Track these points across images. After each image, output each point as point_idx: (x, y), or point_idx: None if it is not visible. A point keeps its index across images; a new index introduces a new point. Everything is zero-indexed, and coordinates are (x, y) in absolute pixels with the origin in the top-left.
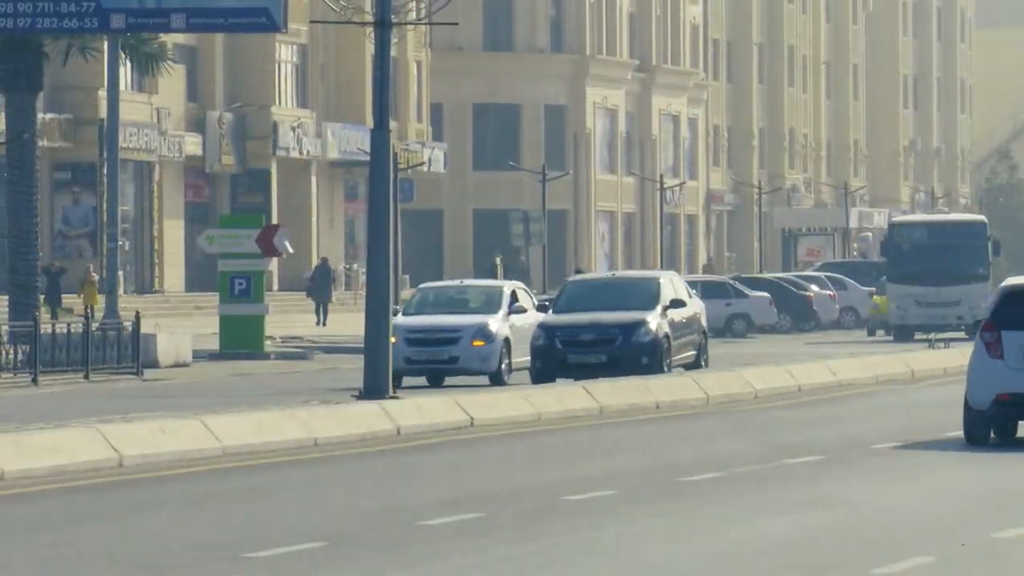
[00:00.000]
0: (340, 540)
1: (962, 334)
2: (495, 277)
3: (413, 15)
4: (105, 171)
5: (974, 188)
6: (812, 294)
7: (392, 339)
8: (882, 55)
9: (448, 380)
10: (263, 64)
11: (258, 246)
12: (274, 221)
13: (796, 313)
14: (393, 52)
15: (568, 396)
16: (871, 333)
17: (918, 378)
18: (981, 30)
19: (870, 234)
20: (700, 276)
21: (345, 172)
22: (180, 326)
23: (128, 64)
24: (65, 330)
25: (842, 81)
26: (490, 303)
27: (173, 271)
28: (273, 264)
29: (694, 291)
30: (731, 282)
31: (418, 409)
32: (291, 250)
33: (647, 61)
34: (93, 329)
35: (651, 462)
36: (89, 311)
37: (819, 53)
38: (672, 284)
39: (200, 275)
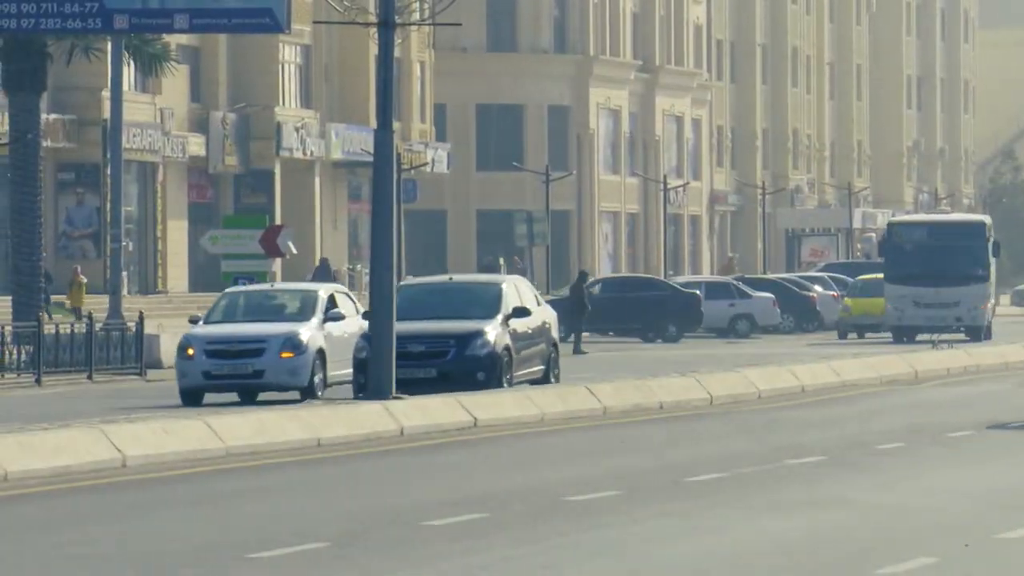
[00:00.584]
0: (344, 540)
1: (962, 335)
2: None
3: (417, 16)
4: (109, 172)
5: (978, 189)
6: (816, 295)
7: (188, 351)
8: (885, 55)
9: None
10: (267, 65)
11: (261, 247)
12: (277, 222)
13: (800, 314)
14: (397, 53)
15: (571, 396)
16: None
17: (922, 379)
18: (985, 30)
19: (873, 235)
20: (704, 277)
21: (348, 173)
22: (183, 327)
23: (131, 64)
24: (69, 331)
25: (845, 81)
26: (304, 309)
27: (176, 271)
28: (276, 264)
29: (690, 291)
30: (735, 282)
31: (421, 410)
32: (294, 251)
33: (650, 61)
34: (96, 330)
35: (654, 462)
36: (77, 312)
37: (822, 53)
38: (516, 290)
39: (203, 276)
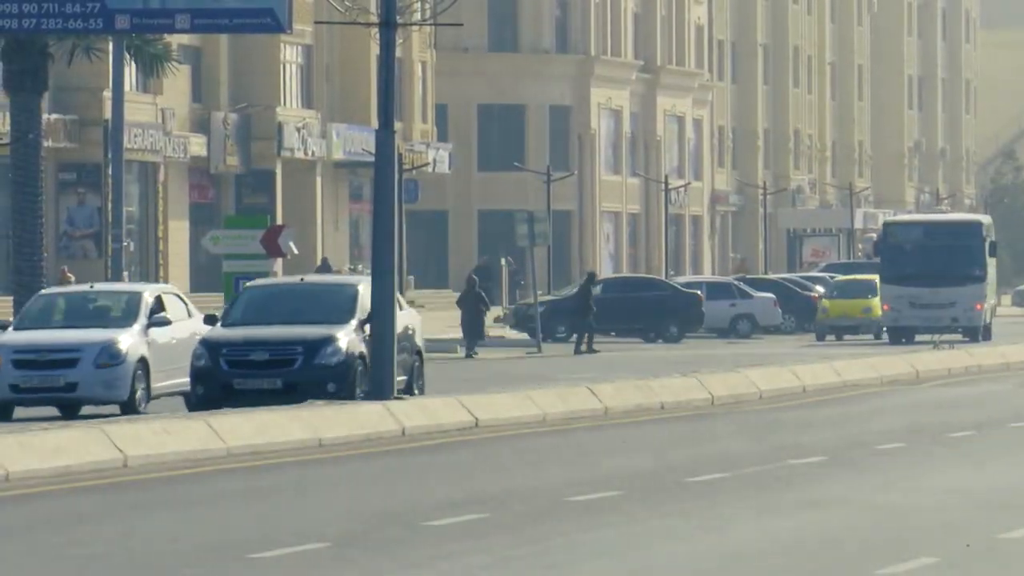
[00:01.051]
0: (345, 541)
1: (959, 336)
2: (498, 278)
3: (418, 16)
4: (110, 172)
5: (979, 189)
6: (817, 295)
7: None
8: (887, 56)
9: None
10: (268, 65)
11: (263, 247)
12: (279, 222)
13: (801, 314)
14: (398, 53)
15: (573, 397)
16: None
17: (923, 379)
18: (986, 31)
19: (875, 235)
20: (705, 277)
21: (350, 173)
22: None
23: (133, 65)
24: None
25: (847, 82)
26: (126, 314)
27: (178, 272)
28: (278, 265)
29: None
30: (736, 283)
31: (423, 410)
32: (296, 251)
33: (652, 62)
34: None
35: (655, 463)
36: None
37: (824, 54)
38: None
39: (205, 276)
